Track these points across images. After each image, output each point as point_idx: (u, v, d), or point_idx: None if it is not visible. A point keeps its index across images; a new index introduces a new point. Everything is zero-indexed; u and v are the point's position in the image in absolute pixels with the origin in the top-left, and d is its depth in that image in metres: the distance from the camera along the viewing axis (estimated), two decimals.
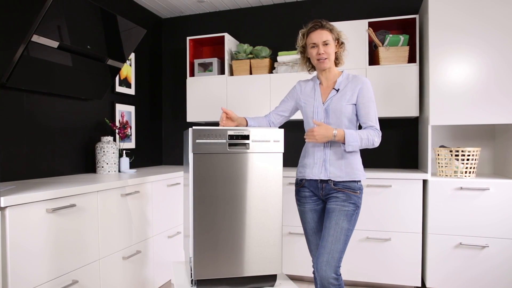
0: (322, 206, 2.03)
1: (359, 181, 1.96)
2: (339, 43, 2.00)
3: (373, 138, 1.91)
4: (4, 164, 2.32)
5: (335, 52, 2.00)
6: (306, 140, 1.93)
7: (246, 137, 1.86)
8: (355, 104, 1.96)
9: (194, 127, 1.82)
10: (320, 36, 1.94)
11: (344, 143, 1.89)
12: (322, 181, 1.97)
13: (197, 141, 1.81)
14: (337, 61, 2.05)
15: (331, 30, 1.95)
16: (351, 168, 1.94)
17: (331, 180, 1.95)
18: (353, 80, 1.99)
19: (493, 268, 2.62)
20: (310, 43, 1.98)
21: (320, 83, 2.07)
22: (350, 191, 1.92)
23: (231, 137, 1.84)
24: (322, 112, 1.99)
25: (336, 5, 3.53)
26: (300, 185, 2.07)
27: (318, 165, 1.98)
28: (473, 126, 3.13)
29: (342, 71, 2.06)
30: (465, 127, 3.15)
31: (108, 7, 3.17)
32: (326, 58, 1.96)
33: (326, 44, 1.95)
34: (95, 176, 2.68)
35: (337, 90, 1.98)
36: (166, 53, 4.07)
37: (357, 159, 1.98)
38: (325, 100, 2.00)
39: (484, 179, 2.69)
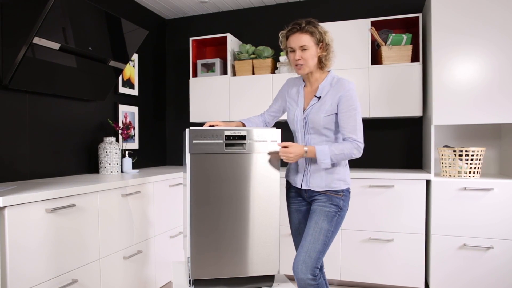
0: (307, 207, 1.98)
1: (341, 189, 1.88)
2: (324, 45, 1.85)
3: (350, 151, 1.79)
4: (6, 164, 2.35)
5: (319, 56, 1.86)
6: (283, 160, 1.84)
7: (243, 137, 1.86)
8: (336, 113, 1.83)
9: (191, 128, 1.82)
10: (297, 40, 1.82)
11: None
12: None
13: (194, 141, 1.82)
14: (321, 65, 1.89)
15: (312, 33, 1.81)
16: (331, 179, 1.86)
17: (311, 189, 1.90)
18: (335, 86, 1.84)
19: (497, 270, 2.58)
20: (288, 47, 1.88)
21: (305, 86, 1.98)
22: (332, 193, 1.86)
23: (228, 137, 1.84)
24: (301, 121, 1.90)
25: (338, 5, 3.51)
26: (288, 186, 2.06)
27: (300, 173, 1.93)
28: (478, 125, 3.08)
29: (329, 71, 1.92)
30: (470, 127, 3.11)
31: (112, 8, 3.20)
32: (302, 64, 1.85)
33: (304, 49, 1.82)
34: (97, 177, 2.70)
35: (319, 98, 1.87)
36: (169, 53, 4.09)
37: (341, 168, 1.88)
38: (306, 107, 1.91)
39: (488, 179, 2.65)
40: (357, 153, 1.81)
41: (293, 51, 1.86)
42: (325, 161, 1.79)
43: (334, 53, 1.90)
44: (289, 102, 2.02)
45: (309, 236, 1.80)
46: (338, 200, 1.86)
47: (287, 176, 2.05)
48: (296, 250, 2.07)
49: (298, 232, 2.04)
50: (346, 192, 1.89)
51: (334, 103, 1.83)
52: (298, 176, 1.95)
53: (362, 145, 1.82)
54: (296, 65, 1.87)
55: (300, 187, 1.93)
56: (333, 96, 1.83)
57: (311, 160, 1.88)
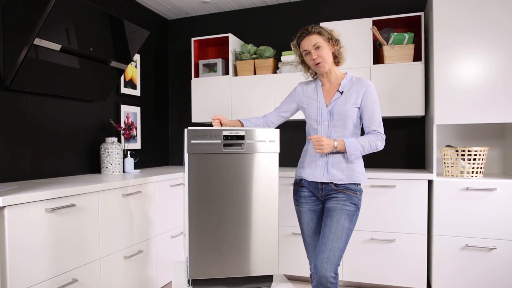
0: (321, 207, 2.01)
1: (360, 183, 1.94)
2: (334, 41, 1.97)
3: (376, 143, 1.89)
4: (8, 165, 2.36)
5: (332, 52, 1.97)
6: (316, 150, 1.87)
7: (241, 137, 1.86)
8: (359, 108, 1.94)
9: (189, 128, 1.83)
10: (309, 41, 1.94)
11: (346, 153, 1.88)
12: (323, 182, 1.95)
13: (192, 141, 1.82)
14: (336, 60, 2.01)
15: (319, 33, 1.93)
16: (353, 171, 1.92)
17: (332, 182, 1.93)
18: (357, 82, 1.96)
19: (500, 271, 2.56)
20: (303, 51, 1.99)
21: (322, 85, 2.05)
22: (351, 192, 1.91)
23: (226, 137, 1.84)
24: (326, 114, 1.96)
25: (339, 4, 3.49)
26: (299, 185, 2.05)
27: (320, 167, 1.95)
28: (481, 125, 3.06)
29: (345, 73, 2.03)
30: (473, 126, 3.08)
31: (113, 9, 3.21)
32: (321, 62, 1.94)
33: (318, 48, 1.93)
34: (98, 177, 2.71)
35: (341, 93, 1.96)
36: (171, 54, 4.10)
37: (359, 162, 1.96)
38: (328, 103, 1.98)
39: (491, 179, 2.63)
40: (381, 144, 1.91)
41: (309, 53, 1.96)
42: (355, 153, 1.87)
43: (344, 48, 2.03)
44: (306, 101, 2.07)
45: (332, 234, 1.83)
46: (356, 199, 1.91)
47: (300, 173, 2.06)
48: (307, 250, 2.08)
49: (312, 232, 2.04)
50: (361, 192, 1.95)
51: (359, 97, 1.93)
52: (317, 170, 1.96)
53: (384, 137, 1.93)
54: (316, 65, 1.96)
55: (320, 180, 1.95)
56: (357, 91, 1.94)
57: (333, 153, 1.93)
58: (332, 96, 1.98)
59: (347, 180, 1.91)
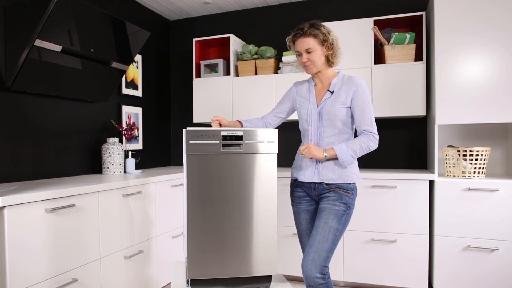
0: (315, 207, 2.01)
1: (353, 183, 1.94)
2: (328, 44, 1.94)
3: (367, 144, 1.87)
4: (9, 165, 2.38)
5: (325, 55, 1.95)
6: (305, 155, 1.90)
7: (240, 137, 1.85)
8: (350, 107, 1.92)
9: (188, 128, 1.83)
10: (302, 44, 1.93)
11: (337, 159, 1.88)
12: (315, 182, 1.96)
13: (191, 142, 1.82)
14: (329, 63, 1.99)
15: (315, 35, 1.90)
16: (344, 170, 1.91)
17: (324, 182, 1.93)
18: (347, 82, 1.94)
19: (503, 272, 2.54)
20: (295, 51, 1.99)
21: (315, 85, 2.06)
22: (342, 191, 1.90)
23: (225, 138, 1.84)
24: (316, 114, 1.96)
25: (340, 4, 3.49)
26: (294, 185, 2.07)
27: (311, 167, 1.96)
28: (484, 125, 3.04)
29: (338, 72, 2.02)
30: (475, 126, 3.06)
31: (116, 10, 3.23)
32: (310, 64, 1.94)
33: (310, 52, 1.92)
34: (99, 177, 2.72)
35: (332, 92, 1.95)
36: (173, 54, 4.11)
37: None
38: (319, 102, 1.98)
39: (493, 179, 2.61)
40: (374, 144, 1.89)
41: (300, 54, 1.96)
42: (347, 159, 1.86)
43: (340, 50, 2.00)
44: (300, 100, 2.07)
45: (318, 235, 1.83)
46: (347, 199, 1.90)
47: (294, 174, 2.07)
48: (303, 250, 2.08)
49: (306, 232, 2.05)
50: (354, 191, 1.94)
51: (348, 96, 1.91)
52: (308, 170, 1.97)
53: (377, 136, 1.90)
54: (305, 66, 1.96)
55: (311, 181, 1.95)
56: (346, 91, 1.92)
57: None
58: (323, 96, 1.98)
59: (338, 180, 1.91)
